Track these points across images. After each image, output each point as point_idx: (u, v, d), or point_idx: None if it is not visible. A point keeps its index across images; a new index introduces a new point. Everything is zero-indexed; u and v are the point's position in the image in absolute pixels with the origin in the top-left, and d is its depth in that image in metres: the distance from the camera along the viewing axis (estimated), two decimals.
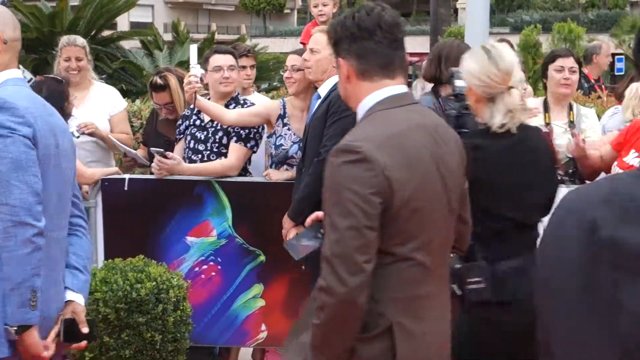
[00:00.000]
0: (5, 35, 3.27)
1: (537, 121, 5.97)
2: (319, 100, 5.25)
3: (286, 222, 5.18)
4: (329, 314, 2.80)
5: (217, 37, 20.70)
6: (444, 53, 5.78)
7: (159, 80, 6.30)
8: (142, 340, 4.77)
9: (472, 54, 4.10)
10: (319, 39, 5.29)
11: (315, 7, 7.25)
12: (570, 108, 6.13)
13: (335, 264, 2.76)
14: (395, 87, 2.99)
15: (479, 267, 3.83)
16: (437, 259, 2.98)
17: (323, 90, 5.26)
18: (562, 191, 5.40)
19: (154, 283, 4.80)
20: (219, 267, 5.67)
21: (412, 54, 47.22)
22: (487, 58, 3.92)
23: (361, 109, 3.03)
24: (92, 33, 15.88)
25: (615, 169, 5.74)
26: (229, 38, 43.87)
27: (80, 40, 6.71)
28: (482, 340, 3.95)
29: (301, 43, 7.20)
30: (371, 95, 2.99)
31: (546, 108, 6.15)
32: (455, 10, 45.38)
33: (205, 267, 5.67)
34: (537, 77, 11.40)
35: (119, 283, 4.77)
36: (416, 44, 47.21)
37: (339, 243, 2.77)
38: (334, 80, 5.22)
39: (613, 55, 14.99)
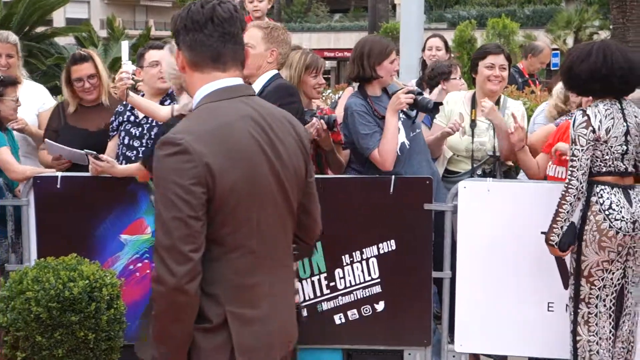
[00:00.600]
0: None
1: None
2: None
3: None
4: (162, 304, 2.87)
5: (155, 33, 20.61)
6: (365, 50, 5.81)
7: (81, 52, 6.26)
8: (75, 339, 4.73)
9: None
10: (254, 34, 5.30)
11: (250, 2, 7.31)
12: (498, 102, 6.21)
13: (163, 255, 2.82)
14: (226, 80, 3.06)
15: None
16: (270, 247, 3.03)
17: (257, 85, 5.27)
18: (477, 185, 5.50)
19: (87, 281, 4.76)
20: (154, 264, 5.63)
21: (348, 50, 47.46)
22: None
23: (194, 101, 3.11)
24: (26, 29, 15.68)
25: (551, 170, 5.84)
26: (167, 34, 43.54)
27: (13, 37, 6.66)
28: None
29: None
30: (202, 88, 3.06)
31: (474, 104, 6.21)
32: (394, 6, 45.54)
33: (139, 264, 5.64)
34: None
35: (51, 282, 4.72)
36: (354, 40, 47.49)
37: (165, 234, 2.83)
38: (268, 75, 5.26)
39: None
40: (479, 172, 6.16)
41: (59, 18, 35.72)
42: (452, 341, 5.77)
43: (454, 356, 5.79)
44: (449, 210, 5.65)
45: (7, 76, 6.09)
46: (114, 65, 14.40)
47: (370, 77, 5.77)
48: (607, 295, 5.12)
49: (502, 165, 6.20)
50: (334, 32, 51.35)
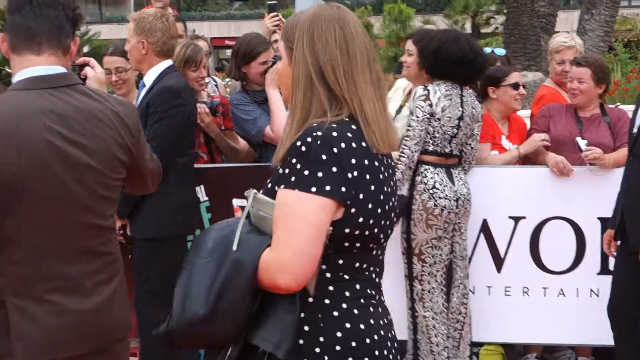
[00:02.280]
0: None
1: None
2: (144, 89, 5.19)
3: None
4: None
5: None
6: (235, 49, 5.84)
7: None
8: None
9: None
10: (130, 28, 5.22)
11: None
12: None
13: None
14: (38, 68, 3.01)
15: None
16: (65, 241, 2.97)
17: (148, 79, 5.19)
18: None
19: None
20: None
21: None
22: None
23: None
24: None
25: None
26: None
27: None
28: None
29: None
30: (17, 75, 3.03)
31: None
32: None
33: None
34: None
35: None
36: (255, 28, 47.30)
37: None
38: (159, 68, 5.17)
39: None
40: None
41: None
42: None
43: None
44: None
45: None
46: None
47: (239, 77, 5.81)
48: (437, 271, 5.41)
49: None
50: (234, 20, 51.05)
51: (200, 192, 5.54)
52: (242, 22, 49.96)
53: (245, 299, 2.49)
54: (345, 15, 2.65)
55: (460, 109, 5.39)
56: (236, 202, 2.79)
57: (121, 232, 5.21)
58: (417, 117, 5.28)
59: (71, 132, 2.96)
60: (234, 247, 2.50)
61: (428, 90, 5.33)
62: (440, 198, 5.32)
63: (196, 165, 5.66)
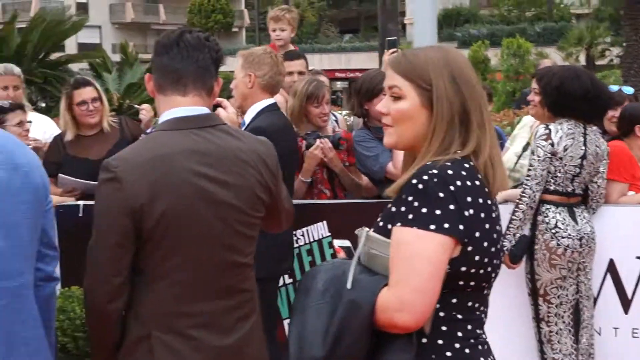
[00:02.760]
0: None
1: None
2: (243, 127, 5.12)
3: None
4: (87, 316, 3.13)
5: None
6: (357, 86, 5.85)
7: (83, 77, 6.31)
8: None
9: None
10: (238, 63, 5.22)
11: (273, 31, 7.32)
12: None
13: (88, 273, 3.00)
14: (183, 109, 3.10)
15: None
16: (207, 278, 3.05)
17: (248, 117, 5.18)
18: None
19: None
20: None
21: (359, 70, 47.54)
22: None
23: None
24: (41, 56, 15.73)
25: None
26: None
27: (17, 69, 6.75)
28: None
29: None
30: (162, 115, 3.15)
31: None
32: (404, 26, 45.64)
33: None
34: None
35: (76, 311, 4.72)
36: (366, 60, 47.49)
37: (92, 254, 2.99)
38: (259, 106, 5.14)
39: None
40: None
41: (71, 43, 35.93)
42: None
43: None
44: None
45: (12, 102, 6.10)
46: (128, 90, 14.40)
47: (361, 114, 5.82)
48: (564, 312, 5.29)
49: None
50: (344, 52, 51.48)
51: (323, 227, 5.57)
52: (352, 55, 50.35)
53: (363, 339, 2.48)
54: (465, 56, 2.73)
55: (583, 147, 5.30)
56: (337, 242, 2.81)
57: None
58: (539, 156, 5.23)
59: (215, 171, 3.04)
60: (348, 286, 2.50)
61: (549, 130, 5.27)
62: (562, 237, 5.24)
63: (318, 201, 5.70)
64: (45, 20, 15.87)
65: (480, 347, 2.60)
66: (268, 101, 5.18)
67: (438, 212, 2.44)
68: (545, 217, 5.28)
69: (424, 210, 2.45)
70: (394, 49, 6.61)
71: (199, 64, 3.13)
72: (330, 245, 5.55)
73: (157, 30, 66.24)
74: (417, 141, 2.63)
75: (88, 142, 6.13)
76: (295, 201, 5.64)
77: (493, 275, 2.61)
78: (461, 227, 2.46)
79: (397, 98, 2.63)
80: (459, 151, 2.57)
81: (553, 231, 5.25)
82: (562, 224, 5.25)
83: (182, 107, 3.11)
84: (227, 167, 3.07)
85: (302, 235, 5.58)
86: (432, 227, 2.43)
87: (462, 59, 2.68)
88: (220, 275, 3.09)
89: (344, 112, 10.39)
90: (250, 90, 5.13)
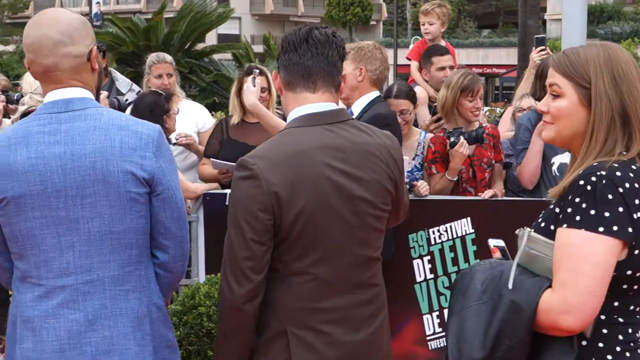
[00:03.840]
0: None
1: None
2: None
3: None
4: (222, 318, 3.08)
5: None
6: (541, 69, 5.76)
7: (257, 65, 6.34)
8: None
9: None
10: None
11: (422, 25, 7.37)
12: None
13: (227, 271, 2.98)
14: (314, 105, 3.13)
15: None
16: (341, 272, 3.06)
17: (356, 108, 5.23)
18: None
19: None
20: None
21: (497, 66, 46.89)
22: None
23: (286, 123, 3.23)
24: (186, 47, 16.11)
25: None
26: None
27: (169, 57, 6.94)
28: None
29: (407, 58, 7.29)
30: (292, 112, 3.16)
31: None
32: (544, 22, 44.78)
33: None
34: None
35: None
36: (503, 56, 46.82)
37: (230, 253, 2.97)
38: (367, 98, 5.22)
39: None
40: None
41: (211, 35, 36.65)
42: None
43: None
44: None
45: (166, 91, 6.26)
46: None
47: (540, 98, 5.69)
48: None
49: None
50: (482, 48, 50.88)
51: (467, 224, 5.52)
52: (490, 50, 49.71)
53: (523, 342, 2.47)
54: (629, 54, 2.65)
55: None
56: (492, 242, 2.77)
57: None
58: None
59: (349, 166, 3.07)
60: (510, 287, 2.48)
61: None
62: None
63: (463, 197, 5.65)
64: (191, 12, 16.25)
65: (639, 351, 2.55)
66: (375, 93, 5.27)
67: (607, 214, 2.41)
68: None
69: (593, 212, 2.42)
70: (542, 47, 6.49)
71: (329, 61, 3.15)
72: (474, 242, 5.50)
73: (295, 22, 66.99)
74: (575, 139, 2.62)
75: (250, 129, 6.23)
76: (439, 197, 5.66)
77: None
78: (630, 229, 2.43)
79: (556, 96, 2.63)
80: (624, 153, 2.54)
81: None
82: None
83: (312, 103, 3.14)
84: (360, 161, 3.10)
85: (446, 231, 5.53)
86: (601, 229, 2.41)
87: (625, 58, 2.63)
88: (354, 270, 3.11)
89: (486, 109, 10.30)
90: (359, 83, 5.21)
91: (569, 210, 2.46)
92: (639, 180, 2.49)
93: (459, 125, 5.68)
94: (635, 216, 2.43)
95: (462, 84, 5.65)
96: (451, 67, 6.64)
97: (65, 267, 2.79)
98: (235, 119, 6.29)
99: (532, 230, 2.57)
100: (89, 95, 2.96)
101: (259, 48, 23.22)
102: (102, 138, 2.85)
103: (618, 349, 2.52)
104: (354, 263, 3.11)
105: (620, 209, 2.42)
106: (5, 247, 2.90)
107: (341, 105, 3.25)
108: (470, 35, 58.36)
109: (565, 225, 2.46)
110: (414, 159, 5.76)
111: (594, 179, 2.45)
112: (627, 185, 2.45)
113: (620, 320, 2.53)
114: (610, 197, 2.42)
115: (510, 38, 51.04)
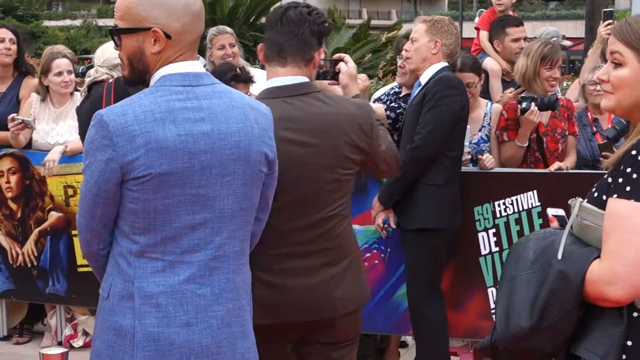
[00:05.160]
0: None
1: None
2: (419, 88, 5.31)
3: (376, 205, 5.42)
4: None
5: (372, 22, 20.69)
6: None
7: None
8: None
9: None
10: (418, 28, 5.39)
11: None
12: None
13: None
14: (280, 79, 3.53)
15: None
16: (297, 229, 3.50)
17: (424, 78, 5.31)
18: None
19: None
20: (382, 255, 5.69)
21: (566, 39, 46.15)
22: None
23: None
24: (251, 20, 16.16)
25: None
26: (381, 23, 43.78)
27: (229, 29, 6.97)
28: None
29: (475, 28, 7.23)
30: (267, 83, 3.57)
31: None
32: None
33: (368, 254, 5.68)
34: None
35: None
36: (570, 29, 46.13)
37: None
38: (435, 68, 5.28)
39: None
40: None
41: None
42: None
43: None
44: None
45: (244, 71, 6.19)
46: (334, 54, 14.59)
47: None
48: None
49: None
50: (549, 20, 50.16)
51: (533, 197, 5.48)
52: (557, 23, 48.88)
53: (571, 312, 2.45)
54: None
55: None
56: (551, 211, 2.74)
57: (385, 225, 5.43)
58: None
59: (301, 135, 3.46)
60: (559, 256, 2.46)
61: None
62: None
63: (529, 170, 5.61)
64: None
65: None
66: (444, 64, 5.33)
67: None
68: None
69: None
70: (610, 20, 6.38)
71: (299, 38, 3.51)
72: (540, 215, 5.46)
73: None
74: (637, 109, 2.55)
75: None
76: (505, 169, 5.63)
77: None
78: None
79: (617, 65, 2.56)
80: None
81: None
82: None
83: (281, 77, 3.52)
84: (313, 130, 3.47)
85: (512, 204, 5.49)
86: None
87: None
88: (310, 226, 3.51)
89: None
90: (433, 55, 5.30)
91: (620, 180, 2.41)
92: None
93: (542, 94, 5.63)
94: None
95: (542, 52, 5.61)
96: (525, 39, 6.57)
97: (196, 243, 2.78)
98: None
99: (586, 200, 2.54)
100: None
101: None
102: (242, 117, 2.85)
103: None
104: (311, 221, 3.51)
105: None
106: (111, 222, 2.84)
107: (304, 79, 3.54)
108: (537, 8, 57.59)
109: (615, 196, 2.41)
110: (480, 130, 5.73)
111: None
112: None
113: None
114: None
115: (577, 10, 50.27)
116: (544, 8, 58.22)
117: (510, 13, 7.26)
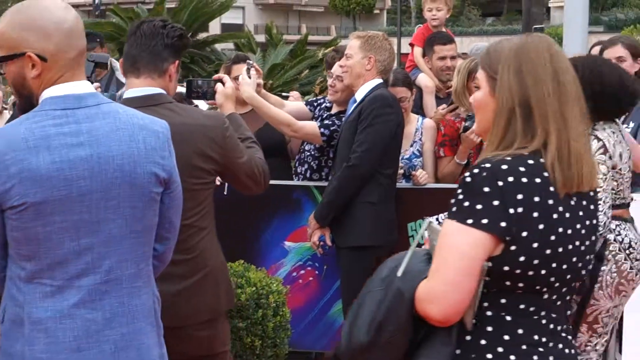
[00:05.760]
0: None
1: None
2: (354, 105, 5.31)
3: (312, 222, 5.37)
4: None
5: (310, 38, 20.71)
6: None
7: (243, 54, 6.29)
8: (242, 345, 4.78)
9: None
10: (353, 45, 5.40)
11: (429, 11, 7.26)
12: None
13: None
14: (135, 90, 3.65)
15: None
16: None
17: (359, 95, 5.31)
18: None
19: (254, 288, 4.80)
20: (317, 272, 5.69)
21: None
22: None
23: None
24: (188, 35, 16.11)
25: None
26: (320, 39, 43.89)
27: None
28: None
29: (410, 45, 7.25)
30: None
31: None
32: (548, 9, 44.68)
33: (302, 272, 5.69)
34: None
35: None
36: None
37: None
38: (370, 85, 5.30)
39: None
40: None
41: (214, 24, 36.59)
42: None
43: None
44: None
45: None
46: (272, 71, 14.61)
47: None
48: (602, 345, 4.66)
49: None
50: (486, 35, 50.73)
51: None
52: (494, 38, 49.20)
53: (405, 329, 2.49)
54: (553, 46, 2.57)
55: (627, 147, 4.57)
56: (427, 233, 2.77)
57: (321, 242, 5.37)
58: (604, 174, 4.32)
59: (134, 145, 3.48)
60: (398, 274, 2.50)
61: (602, 141, 4.41)
62: (636, 260, 4.55)
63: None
64: (193, 1, 16.25)
65: (535, 357, 2.48)
66: (379, 80, 5.34)
67: (479, 206, 2.37)
68: (618, 235, 4.55)
69: (466, 203, 2.39)
70: None
71: (151, 50, 3.64)
72: None
73: (299, 12, 66.99)
74: (488, 131, 2.58)
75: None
76: (438, 185, 5.68)
77: (553, 279, 2.47)
78: (503, 224, 2.37)
79: (477, 88, 2.64)
80: (527, 146, 2.47)
81: (627, 252, 4.54)
82: (635, 243, 4.56)
83: (135, 87, 3.65)
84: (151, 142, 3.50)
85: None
86: (470, 221, 2.37)
87: (541, 49, 2.54)
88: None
89: None
90: (367, 71, 5.31)
91: (452, 200, 2.45)
92: (531, 175, 2.43)
93: (472, 111, 5.67)
94: (512, 211, 2.37)
95: (469, 67, 5.65)
96: (452, 57, 6.59)
97: (84, 267, 2.71)
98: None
99: (437, 219, 2.58)
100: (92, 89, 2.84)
101: (261, 38, 23.10)
102: (127, 139, 2.76)
103: (500, 349, 2.46)
104: None
105: (495, 203, 2.37)
106: (2, 248, 2.77)
107: (157, 90, 3.64)
108: (474, 23, 58.26)
109: (447, 216, 2.45)
110: (411, 145, 5.76)
111: (476, 171, 2.42)
112: (510, 179, 2.39)
113: (508, 318, 2.47)
114: (486, 190, 2.38)
115: (514, 26, 50.95)
116: (481, 24, 58.91)
117: (444, 30, 7.29)
